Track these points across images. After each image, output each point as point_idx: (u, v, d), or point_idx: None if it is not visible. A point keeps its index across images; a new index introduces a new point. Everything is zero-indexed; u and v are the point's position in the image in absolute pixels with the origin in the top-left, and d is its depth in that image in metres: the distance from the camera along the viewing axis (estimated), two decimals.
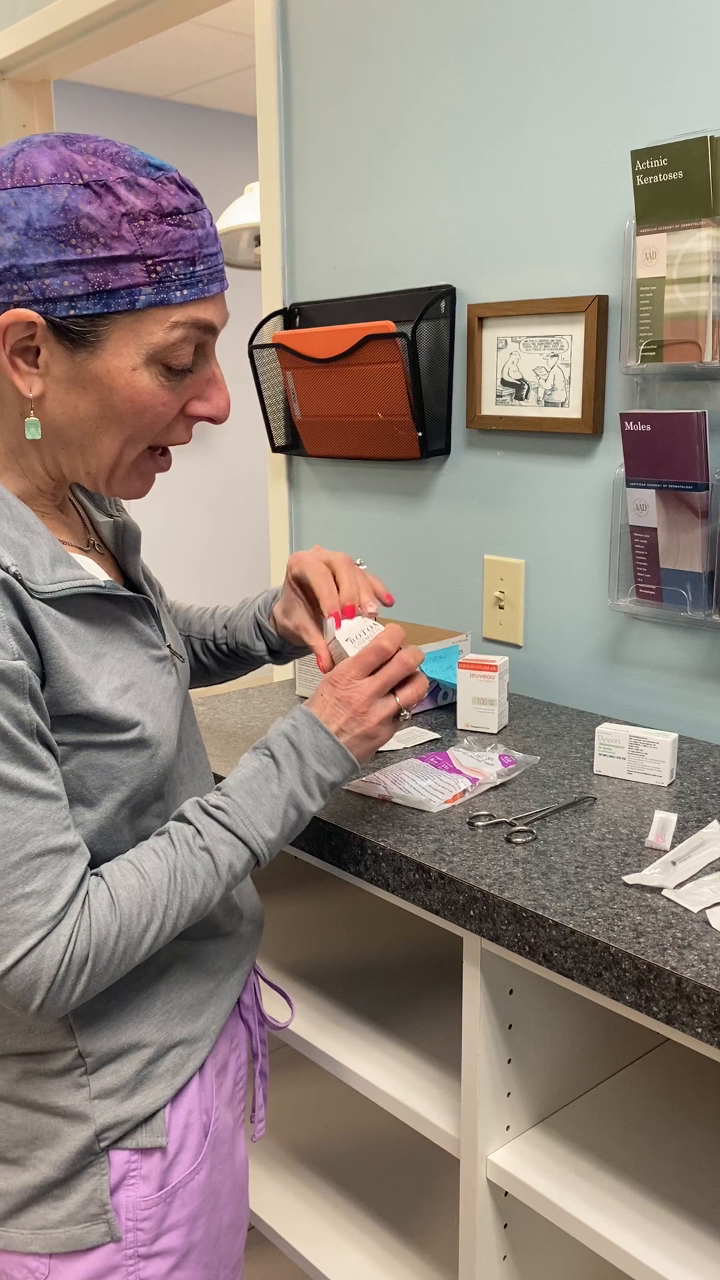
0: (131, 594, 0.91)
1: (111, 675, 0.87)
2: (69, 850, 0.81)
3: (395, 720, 0.99)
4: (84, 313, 0.80)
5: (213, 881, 0.88)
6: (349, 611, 1.05)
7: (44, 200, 0.78)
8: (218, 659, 1.23)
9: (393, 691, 1.00)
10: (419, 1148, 1.58)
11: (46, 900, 0.79)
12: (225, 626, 1.21)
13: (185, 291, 0.82)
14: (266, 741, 0.96)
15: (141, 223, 0.80)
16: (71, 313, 0.80)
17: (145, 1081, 0.93)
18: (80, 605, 0.86)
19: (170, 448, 0.91)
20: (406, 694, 1.00)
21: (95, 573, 0.91)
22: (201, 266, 0.83)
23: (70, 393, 0.83)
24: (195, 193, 0.84)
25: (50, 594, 0.82)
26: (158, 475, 4.90)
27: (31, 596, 0.81)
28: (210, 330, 0.86)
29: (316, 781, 0.95)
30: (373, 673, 0.99)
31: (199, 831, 0.89)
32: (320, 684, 1.00)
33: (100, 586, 0.86)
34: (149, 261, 0.80)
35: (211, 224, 0.86)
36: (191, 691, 3.26)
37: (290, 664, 2.04)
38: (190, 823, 0.89)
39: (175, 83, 4.43)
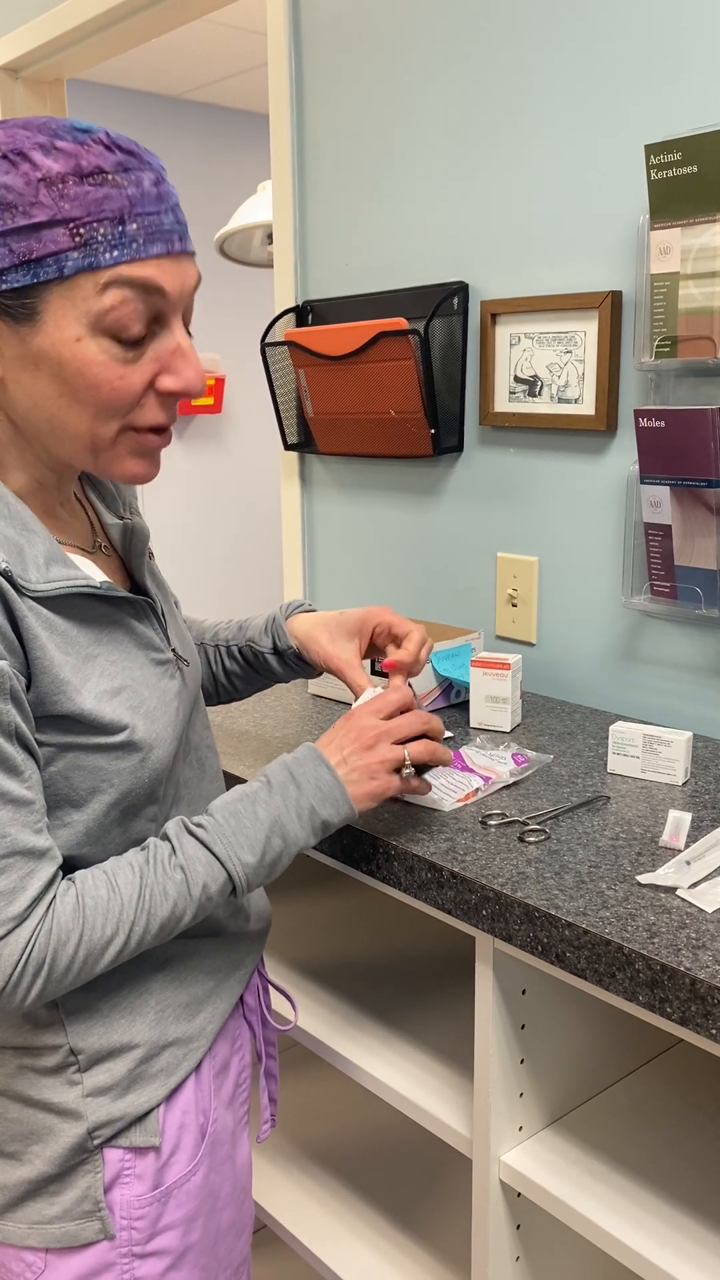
0: (129, 595, 0.90)
1: (103, 677, 0.86)
2: (38, 854, 0.80)
3: (399, 772, 0.99)
4: (14, 285, 0.78)
5: (184, 901, 0.87)
6: (389, 665, 1.10)
7: None
8: (226, 670, 1.22)
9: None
10: (429, 1147, 1.58)
11: (9, 901, 0.78)
12: (240, 628, 1.21)
13: (115, 253, 0.78)
14: (265, 769, 0.95)
15: (60, 186, 0.77)
16: (3, 287, 0.78)
17: (138, 1081, 0.93)
18: (74, 606, 0.85)
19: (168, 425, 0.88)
20: (415, 748, 1.00)
21: (93, 573, 0.90)
22: (134, 226, 0.78)
23: (26, 373, 0.81)
24: (131, 152, 0.80)
25: (42, 593, 0.81)
26: (161, 475, 4.94)
27: (21, 595, 0.80)
28: (158, 293, 0.81)
29: (310, 814, 0.93)
30: (389, 717, 1.01)
31: (175, 849, 0.87)
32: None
33: (95, 587, 0.85)
34: (70, 225, 0.77)
35: (156, 184, 0.81)
36: None
37: None
38: (169, 839, 0.89)
39: (188, 81, 4.43)
